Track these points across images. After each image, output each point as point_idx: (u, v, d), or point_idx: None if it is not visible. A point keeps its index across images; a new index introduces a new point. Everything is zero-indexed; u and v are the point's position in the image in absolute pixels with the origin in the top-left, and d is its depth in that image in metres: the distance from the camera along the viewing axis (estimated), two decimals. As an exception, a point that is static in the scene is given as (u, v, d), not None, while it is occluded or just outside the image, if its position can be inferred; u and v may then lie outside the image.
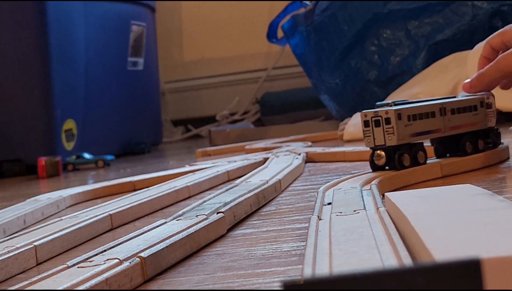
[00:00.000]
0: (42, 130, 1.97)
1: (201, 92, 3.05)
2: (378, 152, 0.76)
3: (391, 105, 0.80)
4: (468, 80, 0.86)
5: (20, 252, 0.58)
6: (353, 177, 0.74)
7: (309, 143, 1.49)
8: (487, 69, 0.85)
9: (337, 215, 0.53)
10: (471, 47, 1.59)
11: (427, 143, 0.82)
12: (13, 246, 0.59)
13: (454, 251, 0.33)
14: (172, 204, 0.88)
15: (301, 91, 2.65)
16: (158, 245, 0.51)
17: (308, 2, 2.01)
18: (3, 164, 1.99)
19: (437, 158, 0.84)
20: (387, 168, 0.77)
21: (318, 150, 1.25)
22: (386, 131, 0.74)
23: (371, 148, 0.77)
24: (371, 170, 0.78)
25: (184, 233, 0.55)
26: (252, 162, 1.20)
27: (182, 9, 3.05)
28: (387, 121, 0.74)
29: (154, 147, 2.55)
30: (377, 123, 0.75)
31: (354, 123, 1.59)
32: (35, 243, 0.61)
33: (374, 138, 0.75)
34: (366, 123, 0.76)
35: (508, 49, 0.85)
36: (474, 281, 0.27)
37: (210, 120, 2.92)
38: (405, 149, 0.77)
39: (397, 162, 0.76)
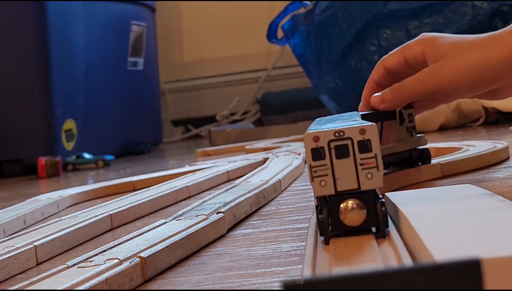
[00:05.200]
0: (42, 130, 1.97)
1: (201, 92, 3.05)
2: (350, 202, 0.45)
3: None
4: (378, 93, 0.69)
5: (20, 252, 0.58)
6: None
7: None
8: (408, 82, 0.68)
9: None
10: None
11: None
12: (13, 246, 0.59)
13: (454, 251, 0.33)
14: (172, 204, 0.88)
15: (301, 91, 2.65)
16: (158, 245, 0.51)
17: (308, 2, 2.01)
18: (3, 164, 1.99)
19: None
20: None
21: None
22: (362, 165, 0.45)
23: (330, 196, 0.45)
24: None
25: (184, 233, 0.55)
26: (252, 162, 1.20)
27: (182, 9, 3.05)
28: (364, 146, 0.45)
29: (154, 146, 2.55)
30: (342, 152, 0.45)
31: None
32: (35, 243, 0.61)
33: (334, 179, 0.45)
34: (317, 154, 0.45)
35: (413, 70, 0.68)
36: (474, 281, 0.27)
37: (210, 120, 2.92)
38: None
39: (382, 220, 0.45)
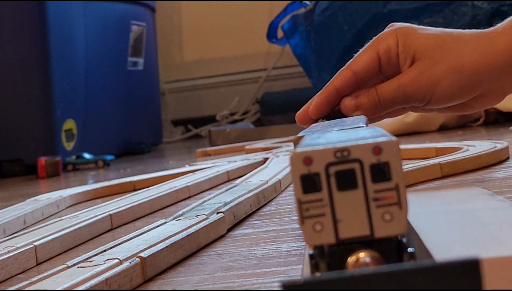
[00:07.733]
0: (42, 130, 1.97)
1: (201, 92, 3.05)
2: (361, 255, 0.30)
3: None
4: (349, 97, 0.60)
5: (20, 252, 0.58)
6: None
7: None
8: (387, 87, 0.59)
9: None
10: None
11: None
12: (13, 246, 0.59)
13: (454, 251, 0.33)
14: (172, 204, 0.88)
15: (301, 91, 2.65)
16: (158, 245, 0.51)
17: (308, 2, 2.01)
18: (3, 164, 1.99)
19: None
20: None
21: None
22: (377, 200, 0.30)
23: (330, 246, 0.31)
24: None
25: (184, 233, 0.55)
26: (252, 162, 1.20)
27: (182, 9, 3.05)
28: (380, 172, 0.30)
29: (154, 146, 2.55)
30: (347, 181, 0.30)
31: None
32: (35, 243, 0.61)
33: (335, 221, 0.30)
34: (310, 184, 0.31)
35: (382, 74, 0.61)
36: (474, 281, 0.27)
37: (210, 120, 2.92)
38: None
39: None
